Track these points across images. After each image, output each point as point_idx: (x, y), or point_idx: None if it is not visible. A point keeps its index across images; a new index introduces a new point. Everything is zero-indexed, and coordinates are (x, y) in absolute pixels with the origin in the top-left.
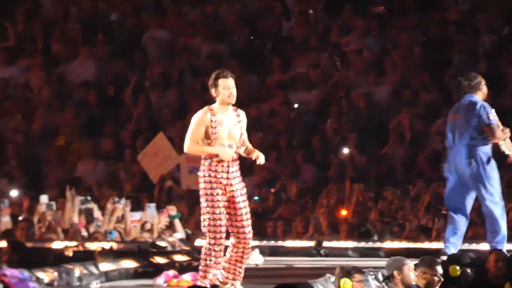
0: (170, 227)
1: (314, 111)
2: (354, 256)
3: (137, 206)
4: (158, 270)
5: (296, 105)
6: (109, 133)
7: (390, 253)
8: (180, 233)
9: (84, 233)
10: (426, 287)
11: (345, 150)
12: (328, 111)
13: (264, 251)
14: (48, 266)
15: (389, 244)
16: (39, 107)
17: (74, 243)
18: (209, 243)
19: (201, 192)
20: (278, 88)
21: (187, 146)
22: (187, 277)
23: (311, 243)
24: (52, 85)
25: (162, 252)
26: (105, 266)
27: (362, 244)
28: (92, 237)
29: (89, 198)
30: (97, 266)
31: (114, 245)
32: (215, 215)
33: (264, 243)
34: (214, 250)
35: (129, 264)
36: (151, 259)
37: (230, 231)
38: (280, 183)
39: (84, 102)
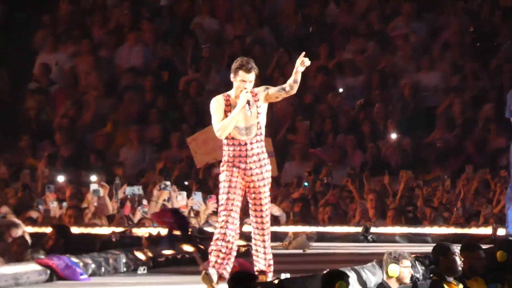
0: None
1: (360, 97)
2: (402, 242)
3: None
4: (205, 256)
5: (341, 90)
6: (156, 119)
7: (437, 239)
8: None
9: (132, 219)
10: (469, 271)
11: (393, 136)
12: (374, 97)
13: (312, 237)
14: (95, 252)
15: (436, 230)
16: (86, 94)
17: (121, 229)
18: (219, 228)
19: (220, 176)
20: (324, 74)
21: (217, 130)
22: (234, 263)
23: (359, 229)
24: (100, 71)
25: (209, 238)
26: (153, 251)
27: (410, 230)
28: (139, 223)
29: (167, 183)
30: (144, 252)
31: (161, 231)
32: (228, 201)
33: (312, 228)
34: (220, 238)
35: (177, 250)
36: (198, 245)
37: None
38: (328, 169)
39: (132, 88)
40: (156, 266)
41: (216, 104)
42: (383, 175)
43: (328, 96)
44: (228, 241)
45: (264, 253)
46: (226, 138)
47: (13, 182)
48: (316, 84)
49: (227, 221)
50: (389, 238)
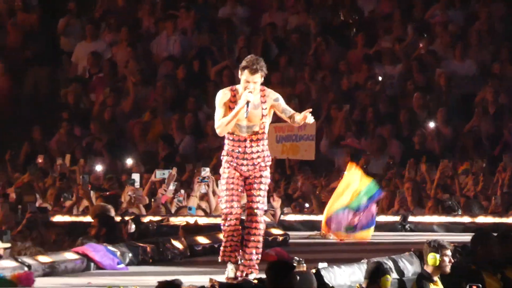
0: None
1: (398, 85)
2: (439, 231)
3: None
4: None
5: (380, 78)
6: (193, 108)
7: (476, 227)
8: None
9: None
10: (507, 260)
11: (431, 125)
12: (413, 85)
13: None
14: (133, 240)
15: (474, 219)
16: (125, 82)
17: (158, 218)
18: (222, 224)
19: (220, 170)
20: (363, 62)
21: (216, 127)
22: (271, 252)
23: (396, 218)
24: (138, 60)
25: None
26: (190, 241)
27: (447, 219)
28: (177, 212)
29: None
30: (181, 240)
31: (199, 220)
32: (228, 196)
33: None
34: (226, 231)
35: (213, 239)
36: None
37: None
38: (366, 157)
39: (169, 77)
40: (193, 255)
41: (222, 98)
42: (421, 164)
43: (366, 84)
44: (233, 235)
45: (248, 249)
46: (228, 133)
47: (51, 171)
48: (354, 73)
49: (230, 213)
50: (426, 227)
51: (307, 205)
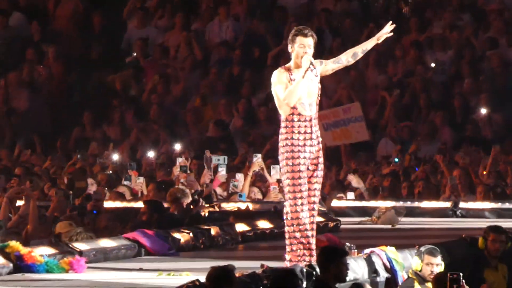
0: None
1: (450, 71)
2: (491, 217)
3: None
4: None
5: (433, 64)
6: (245, 93)
7: None
8: None
9: (221, 194)
10: None
11: (483, 111)
12: (464, 72)
13: (401, 212)
14: (184, 226)
15: None
16: (177, 68)
17: (211, 203)
18: (289, 206)
19: (282, 151)
20: (414, 48)
21: (284, 98)
22: (323, 238)
23: (448, 204)
24: (190, 45)
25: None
26: (241, 226)
27: (499, 205)
28: (229, 198)
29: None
30: (233, 227)
31: (250, 206)
32: (294, 179)
33: (401, 203)
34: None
35: (265, 224)
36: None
37: None
38: (418, 144)
39: (222, 62)
40: (245, 241)
41: (279, 75)
42: (473, 150)
43: (418, 70)
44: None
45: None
46: (292, 114)
47: (100, 157)
48: (406, 59)
49: (302, 204)
50: (478, 213)
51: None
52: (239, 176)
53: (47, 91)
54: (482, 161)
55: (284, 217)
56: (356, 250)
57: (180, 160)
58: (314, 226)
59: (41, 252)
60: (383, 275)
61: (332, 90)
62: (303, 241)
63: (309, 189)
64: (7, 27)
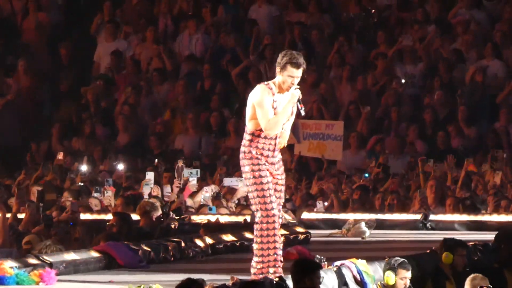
0: None
1: (420, 84)
2: (461, 230)
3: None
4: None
5: (403, 81)
6: (215, 106)
7: (498, 226)
8: None
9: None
10: None
11: (454, 124)
12: (434, 85)
13: (371, 224)
14: (154, 238)
15: (496, 218)
16: (147, 81)
17: (181, 216)
18: (261, 217)
19: (246, 163)
20: (383, 61)
21: (267, 126)
22: (293, 250)
23: (418, 217)
24: (161, 58)
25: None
26: (211, 239)
27: (469, 218)
28: (198, 211)
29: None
30: (203, 239)
31: (220, 218)
32: (266, 199)
33: (371, 216)
34: (268, 228)
35: (235, 237)
36: None
37: None
38: (386, 157)
39: (191, 75)
40: (215, 253)
41: (267, 97)
42: (443, 163)
43: (388, 84)
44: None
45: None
46: (260, 129)
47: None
48: (376, 72)
49: (274, 221)
50: (448, 226)
51: (325, 203)
52: (209, 188)
53: (16, 104)
54: (453, 174)
55: (254, 228)
56: (326, 263)
57: (150, 175)
58: (281, 238)
59: (11, 265)
60: (353, 287)
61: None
62: (270, 253)
63: (276, 203)
64: None
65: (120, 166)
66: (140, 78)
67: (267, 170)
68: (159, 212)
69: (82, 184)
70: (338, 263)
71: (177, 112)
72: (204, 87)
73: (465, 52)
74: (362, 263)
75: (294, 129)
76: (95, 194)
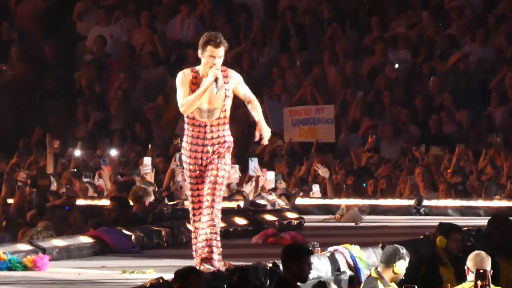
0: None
1: (413, 70)
2: (454, 215)
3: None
4: (257, 228)
5: (396, 65)
6: None
7: (490, 212)
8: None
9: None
10: None
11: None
12: (428, 70)
13: (364, 210)
14: (147, 224)
15: (489, 203)
16: (140, 66)
17: (174, 202)
18: (191, 211)
19: (182, 157)
20: (377, 47)
21: (181, 105)
22: (286, 236)
23: (411, 202)
24: (153, 43)
25: (262, 210)
26: None
27: (462, 203)
28: None
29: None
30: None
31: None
32: (192, 187)
33: (364, 201)
34: (194, 221)
35: (228, 223)
36: (251, 218)
37: None
38: (381, 142)
39: (183, 61)
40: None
41: (183, 78)
42: (437, 149)
43: (382, 69)
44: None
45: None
46: (187, 117)
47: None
48: (369, 58)
49: (199, 207)
50: (441, 211)
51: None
52: None
53: (10, 90)
54: (446, 160)
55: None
56: (319, 248)
57: (147, 160)
58: (216, 227)
59: (4, 250)
60: (347, 273)
61: (295, 87)
62: (200, 240)
63: (206, 191)
64: None
65: (114, 152)
66: (133, 63)
67: (195, 162)
68: (152, 197)
69: (75, 170)
70: (331, 248)
71: (169, 97)
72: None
73: (458, 37)
74: (355, 249)
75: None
76: (85, 180)
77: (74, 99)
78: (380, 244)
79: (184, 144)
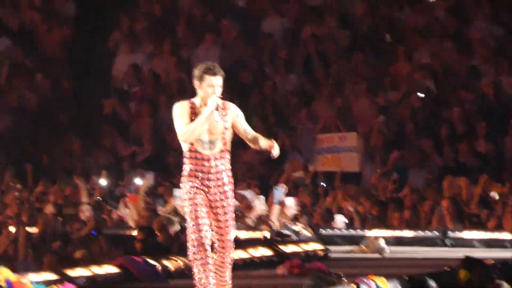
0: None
1: (438, 99)
2: (480, 247)
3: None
4: (283, 259)
5: (420, 95)
6: None
7: None
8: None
9: None
10: None
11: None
12: (453, 100)
13: (389, 241)
14: (174, 254)
15: None
16: (166, 93)
17: None
18: (191, 249)
19: (183, 192)
20: (401, 76)
21: (181, 134)
22: (311, 266)
23: (437, 233)
24: (179, 70)
25: (287, 241)
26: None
27: (488, 235)
28: None
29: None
30: None
31: (240, 234)
32: (195, 224)
33: (389, 232)
34: (196, 259)
35: (255, 253)
36: (276, 248)
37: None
38: (406, 172)
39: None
40: (234, 269)
41: (181, 109)
42: (461, 179)
43: (407, 98)
44: (208, 265)
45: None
46: (189, 150)
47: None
48: (394, 87)
49: (201, 244)
50: (467, 243)
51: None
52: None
53: (35, 116)
54: (470, 190)
55: None
56: (345, 280)
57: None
58: (224, 258)
59: (31, 279)
60: None
61: (319, 115)
62: (199, 270)
63: (218, 233)
64: None
65: (139, 181)
66: (158, 91)
67: (197, 192)
68: (177, 227)
69: (100, 198)
70: (357, 279)
71: None
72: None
73: (482, 67)
74: (381, 280)
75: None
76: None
77: (100, 126)
78: (406, 276)
79: (184, 178)
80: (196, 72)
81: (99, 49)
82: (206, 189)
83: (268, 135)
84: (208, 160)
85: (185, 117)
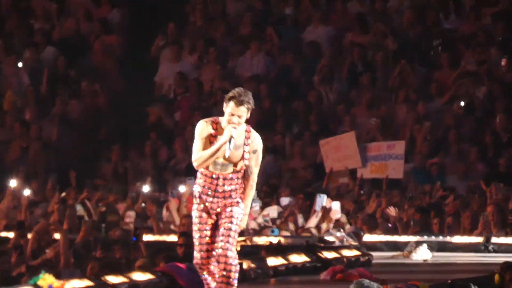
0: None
1: (482, 107)
2: None
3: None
4: (325, 265)
5: (462, 103)
6: (279, 128)
7: None
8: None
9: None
10: None
11: None
12: (496, 107)
13: (432, 247)
14: None
15: None
16: (210, 102)
17: (241, 238)
18: (196, 263)
19: (192, 208)
20: (446, 84)
21: (194, 160)
22: (354, 272)
23: (480, 239)
24: (223, 79)
25: (330, 247)
26: (273, 261)
27: None
28: (260, 232)
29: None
30: (264, 261)
31: (282, 240)
32: (199, 236)
33: (432, 238)
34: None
35: (297, 259)
36: (319, 254)
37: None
38: (449, 178)
39: (254, 97)
40: (277, 275)
41: (202, 130)
42: (504, 186)
43: (450, 106)
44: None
45: None
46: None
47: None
48: (438, 95)
49: (204, 257)
50: (510, 249)
51: (389, 225)
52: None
53: (79, 125)
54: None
55: None
56: (388, 285)
57: None
58: (229, 272)
59: (74, 285)
60: None
61: (363, 123)
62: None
63: (220, 246)
64: (39, 61)
65: (182, 189)
66: (202, 99)
67: (206, 210)
68: None
69: (143, 205)
70: (399, 285)
71: None
72: (265, 108)
73: None
74: (424, 286)
75: (359, 152)
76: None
77: (145, 134)
78: (450, 281)
79: (195, 193)
80: (227, 94)
81: (145, 57)
82: (211, 205)
83: (312, 143)
84: (217, 179)
85: (203, 139)
